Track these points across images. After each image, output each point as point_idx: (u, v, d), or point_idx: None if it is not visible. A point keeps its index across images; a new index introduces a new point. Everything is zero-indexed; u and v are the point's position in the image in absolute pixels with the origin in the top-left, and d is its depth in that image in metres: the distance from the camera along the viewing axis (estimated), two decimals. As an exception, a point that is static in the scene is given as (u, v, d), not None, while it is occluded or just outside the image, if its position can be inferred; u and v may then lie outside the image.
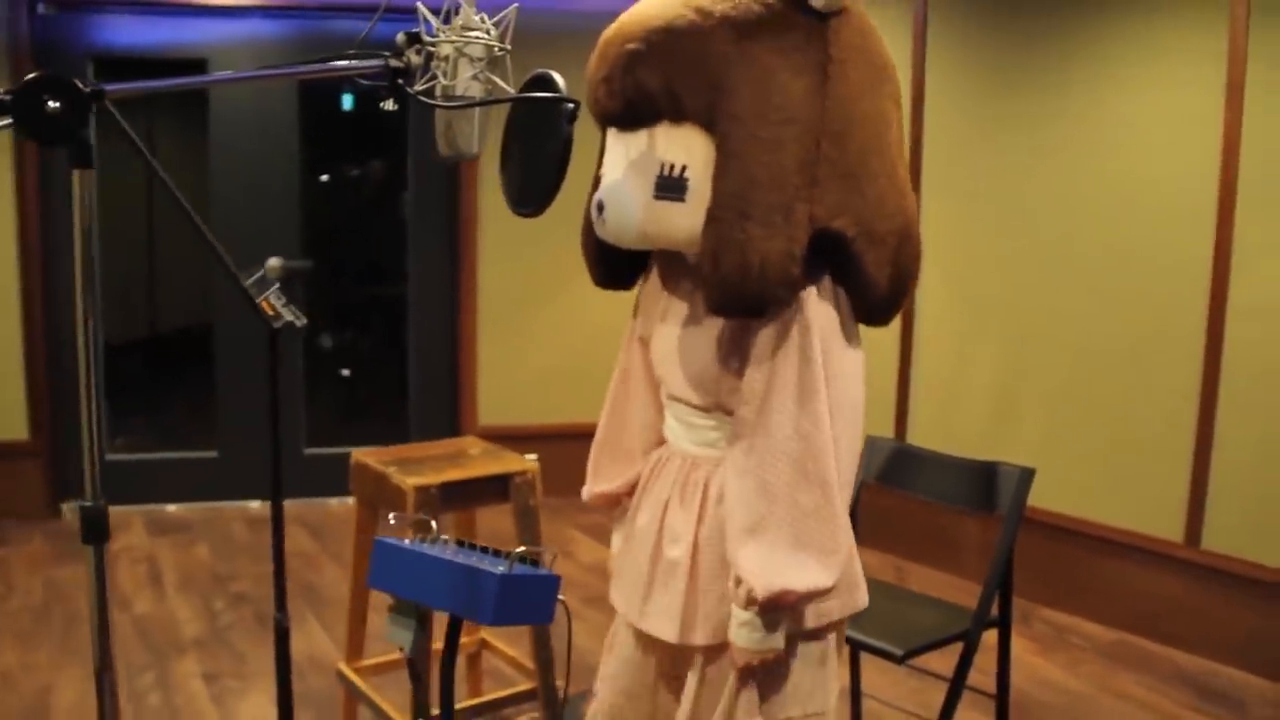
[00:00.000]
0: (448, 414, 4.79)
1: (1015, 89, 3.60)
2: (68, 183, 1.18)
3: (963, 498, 2.46)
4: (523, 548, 1.20)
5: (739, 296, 1.39)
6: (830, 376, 1.44)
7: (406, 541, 1.29)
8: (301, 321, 1.39)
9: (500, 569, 1.20)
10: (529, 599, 1.22)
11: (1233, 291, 3.08)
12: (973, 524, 3.76)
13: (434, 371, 4.77)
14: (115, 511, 4.45)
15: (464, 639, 2.70)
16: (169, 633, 3.25)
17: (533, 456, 2.40)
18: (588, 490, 1.74)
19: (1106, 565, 3.44)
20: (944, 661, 2.34)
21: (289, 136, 4.47)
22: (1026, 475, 2.33)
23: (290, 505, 4.59)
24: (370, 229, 5.83)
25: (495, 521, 2.75)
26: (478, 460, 2.44)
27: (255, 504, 4.60)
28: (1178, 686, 3.06)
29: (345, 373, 5.62)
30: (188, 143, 5.16)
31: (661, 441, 1.66)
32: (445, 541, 1.33)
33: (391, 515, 1.30)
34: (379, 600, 3.27)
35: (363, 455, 2.46)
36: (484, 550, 1.29)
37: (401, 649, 1.28)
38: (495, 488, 2.36)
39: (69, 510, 4.36)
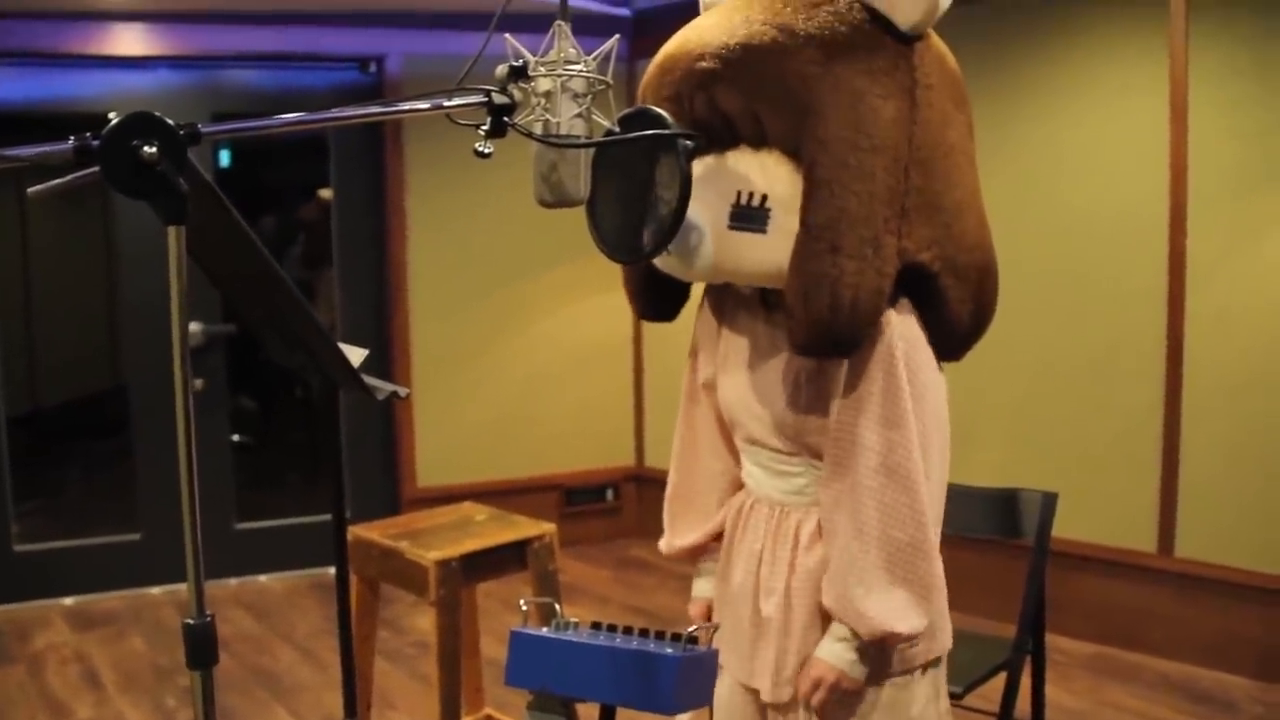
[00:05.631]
0: (384, 477, 4.55)
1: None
2: None
3: (983, 527, 2.43)
4: (694, 627, 1.08)
5: (828, 336, 1.32)
6: (916, 398, 1.39)
7: (546, 631, 1.16)
8: (405, 391, 1.25)
9: (670, 651, 1.09)
10: (699, 680, 1.11)
11: (1190, 302, 3.18)
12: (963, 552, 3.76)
13: (367, 434, 4.53)
14: (31, 607, 4.10)
15: (469, 716, 2.52)
16: (121, 741, 2.94)
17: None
18: (666, 543, 1.64)
19: (1079, 580, 3.48)
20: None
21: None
22: (1050, 500, 2.33)
23: (221, 586, 4.28)
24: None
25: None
26: (487, 527, 2.30)
27: (184, 587, 4.25)
28: (1168, 693, 3.11)
29: (236, 438, 5.29)
30: (79, 205, 4.82)
31: (738, 487, 1.57)
32: (575, 625, 1.21)
33: (522, 601, 1.16)
34: (382, 689, 3.00)
35: (363, 530, 2.29)
36: (627, 632, 1.17)
37: (546, 750, 1.14)
38: (512, 555, 2.23)
39: (-30, 611, 3.94)
